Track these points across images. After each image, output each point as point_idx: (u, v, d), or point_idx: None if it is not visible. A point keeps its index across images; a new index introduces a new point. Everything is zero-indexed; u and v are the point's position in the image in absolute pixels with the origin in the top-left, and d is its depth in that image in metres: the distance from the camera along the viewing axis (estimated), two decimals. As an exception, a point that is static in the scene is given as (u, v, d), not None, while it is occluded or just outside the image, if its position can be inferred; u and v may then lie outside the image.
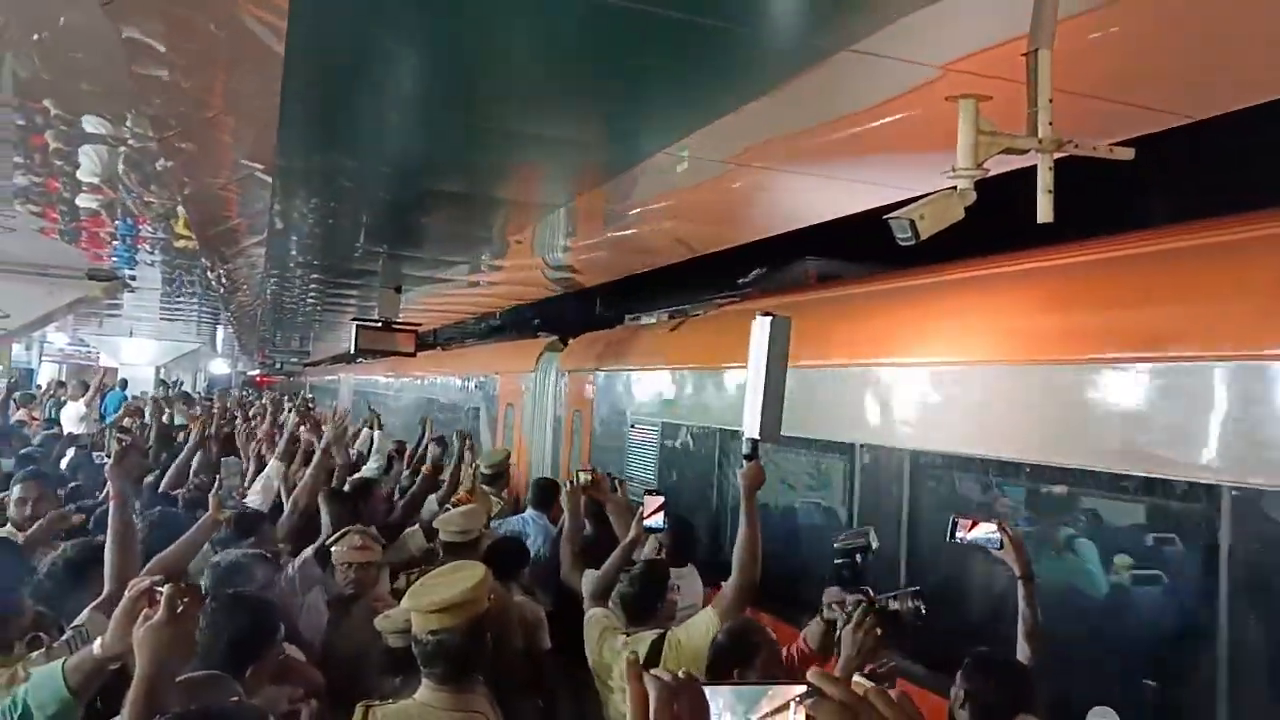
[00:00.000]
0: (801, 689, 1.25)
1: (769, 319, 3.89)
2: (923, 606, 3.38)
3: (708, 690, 1.28)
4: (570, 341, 10.41)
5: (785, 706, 1.26)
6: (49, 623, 3.23)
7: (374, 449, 8.94)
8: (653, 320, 8.74)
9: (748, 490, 4.02)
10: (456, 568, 3.30)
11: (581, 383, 9.31)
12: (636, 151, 4.67)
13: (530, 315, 13.24)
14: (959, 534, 3.58)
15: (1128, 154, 3.01)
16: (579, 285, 10.25)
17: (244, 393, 27.85)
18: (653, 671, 1.30)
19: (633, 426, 7.93)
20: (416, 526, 6.00)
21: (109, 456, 4.38)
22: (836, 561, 3.86)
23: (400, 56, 3.77)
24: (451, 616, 2.91)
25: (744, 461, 4.03)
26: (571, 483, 5.54)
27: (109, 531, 3.37)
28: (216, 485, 4.78)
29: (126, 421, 9.78)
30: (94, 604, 3.17)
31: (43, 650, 2.88)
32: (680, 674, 1.31)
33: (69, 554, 3.70)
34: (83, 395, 14.18)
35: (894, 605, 3.38)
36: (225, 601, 3.06)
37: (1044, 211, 2.86)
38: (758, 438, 3.87)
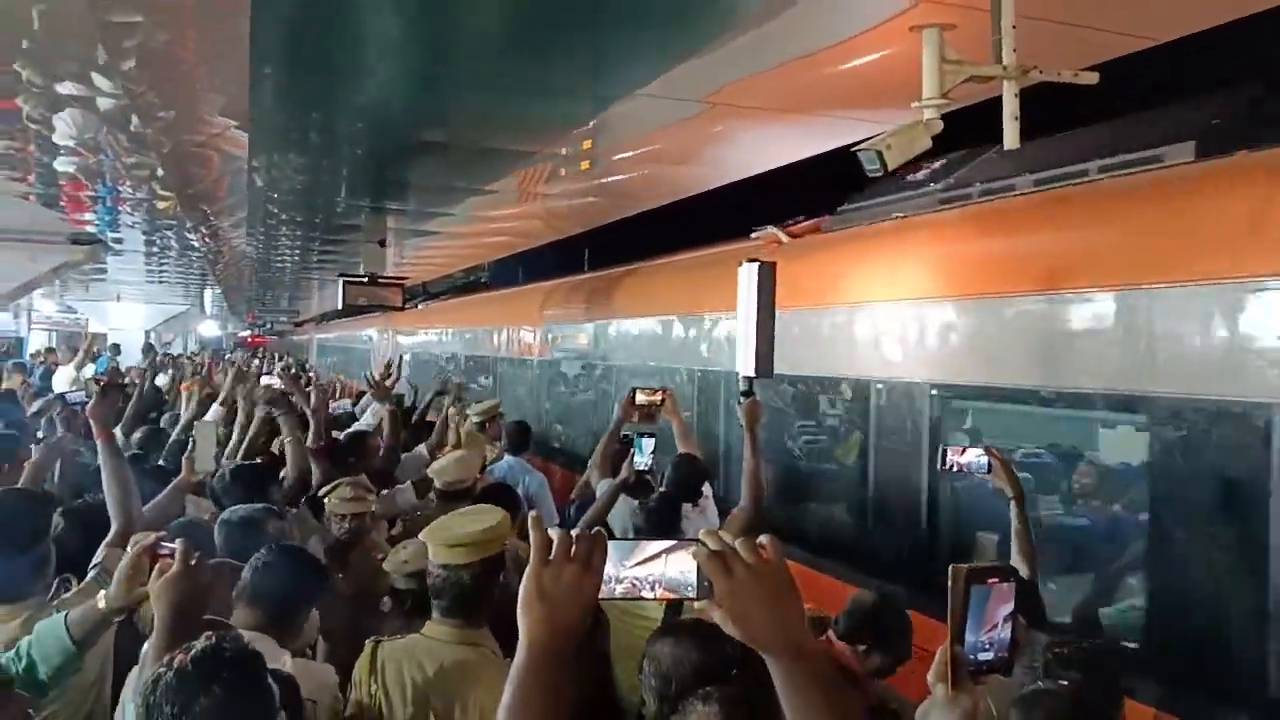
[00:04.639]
0: (672, 543, 1.36)
1: (755, 265, 4.22)
2: None
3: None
4: None
5: (657, 556, 1.36)
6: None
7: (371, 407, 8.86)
8: None
9: (750, 424, 4.38)
10: (479, 509, 3.38)
11: None
12: (610, 93, 4.67)
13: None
14: (949, 460, 3.65)
15: (1092, 79, 3.04)
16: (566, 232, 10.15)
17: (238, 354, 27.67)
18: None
19: None
20: (408, 484, 6.03)
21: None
22: None
23: (370, 3, 3.75)
24: (468, 553, 2.98)
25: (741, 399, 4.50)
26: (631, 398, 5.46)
27: (103, 470, 3.46)
28: (191, 447, 4.77)
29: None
30: (106, 541, 3.28)
31: (75, 591, 2.98)
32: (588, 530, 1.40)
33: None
34: (72, 360, 14.18)
35: None
36: (276, 555, 3.15)
37: (1010, 138, 2.90)
38: (753, 375, 4.42)
